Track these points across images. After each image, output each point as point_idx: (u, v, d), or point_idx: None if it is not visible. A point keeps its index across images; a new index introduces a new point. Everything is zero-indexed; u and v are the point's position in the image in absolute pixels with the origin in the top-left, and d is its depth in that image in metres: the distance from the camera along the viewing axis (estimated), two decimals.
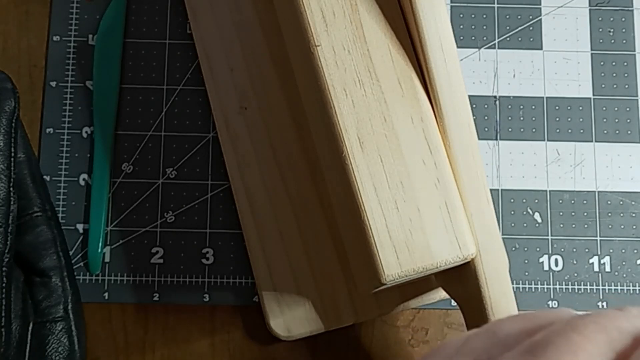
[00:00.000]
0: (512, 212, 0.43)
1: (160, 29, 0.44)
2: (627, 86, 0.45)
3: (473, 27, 0.45)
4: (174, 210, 0.43)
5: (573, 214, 0.43)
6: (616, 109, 0.44)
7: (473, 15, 0.45)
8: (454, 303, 0.41)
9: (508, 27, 0.45)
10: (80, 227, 0.42)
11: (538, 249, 0.43)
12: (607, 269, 0.43)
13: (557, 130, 0.44)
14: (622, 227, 0.43)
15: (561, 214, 0.43)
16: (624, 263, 0.43)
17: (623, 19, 0.45)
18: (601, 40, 0.45)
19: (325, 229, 0.41)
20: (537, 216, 0.43)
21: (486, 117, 0.44)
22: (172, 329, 0.42)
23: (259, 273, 0.41)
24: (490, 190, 0.36)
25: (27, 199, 0.39)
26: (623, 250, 0.43)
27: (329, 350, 0.42)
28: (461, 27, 0.45)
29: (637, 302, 0.42)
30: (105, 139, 0.43)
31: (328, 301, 0.40)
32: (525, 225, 0.43)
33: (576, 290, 0.43)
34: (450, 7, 0.45)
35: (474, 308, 0.34)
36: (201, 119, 0.43)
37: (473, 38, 0.45)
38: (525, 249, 0.43)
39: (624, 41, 0.45)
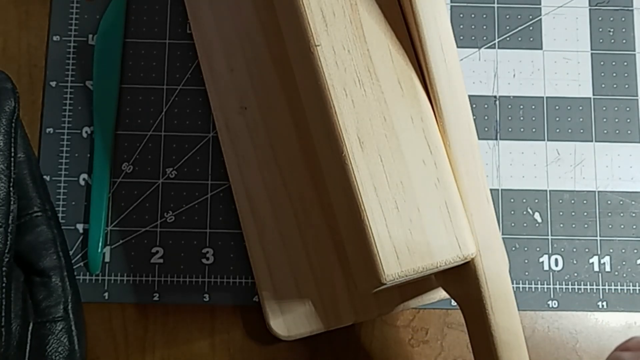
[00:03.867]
0: (512, 212, 0.43)
1: (160, 29, 0.44)
2: (627, 86, 0.45)
3: (473, 27, 0.45)
4: (174, 210, 0.43)
5: (573, 214, 0.43)
6: (616, 109, 0.44)
7: (473, 15, 0.45)
8: (454, 303, 0.41)
9: (508, 27, 0.45)
10: (80, 227, 0.42)
11: (538, 249, 0.43)
12: (607, 269, 0.43)
13: (557, 130, 0.44)
14: (622, 227, 0.43)
15: (561, 214, 0.43)
16: (624, 263, 0.43)
17: (623, 19, 0.45)
18: (601, 40, 0.45)
19: (325, 229, 0.41)
20: (537, 216, 0.43)
21: (486, 117, 0.44)
22: (172, 329, 0.42)
23: (259, 273, 0.41)
24: (490, 190, 0.36)
25: (27, 199, 0.39)
26: (623, 250, 0.43)
27: (329, 350, 0.42)
28: (461, 27, 0.45)
29: (637, 302, 0.42)
30: (105, 139, 0.43)
31: (328, 301, 0.40)
32: (525, 225, 0.43)
33: (576, 290, 0.43)
34: (450, 7, 0.45)
35: (474, 308, 0.34)
36: (201, 119, 0.43)
37: (473, 38, 0.45)
38: (525, 249, 0.43)
39: (624, 41, 0.45)
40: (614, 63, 0.45)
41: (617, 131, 0.44)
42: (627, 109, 0.44)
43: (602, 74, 0.45)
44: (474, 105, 0.44)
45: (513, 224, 0.43)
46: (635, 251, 0.43)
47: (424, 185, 0.33)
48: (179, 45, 0.44)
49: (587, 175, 0.44)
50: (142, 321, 0.42)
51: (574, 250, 0.43)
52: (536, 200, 0.43)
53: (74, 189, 0.43)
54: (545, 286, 0.43)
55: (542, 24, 0.45)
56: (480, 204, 0.34)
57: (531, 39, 0.45)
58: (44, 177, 0.42)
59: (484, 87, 0.45)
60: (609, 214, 0.43)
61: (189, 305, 0.42)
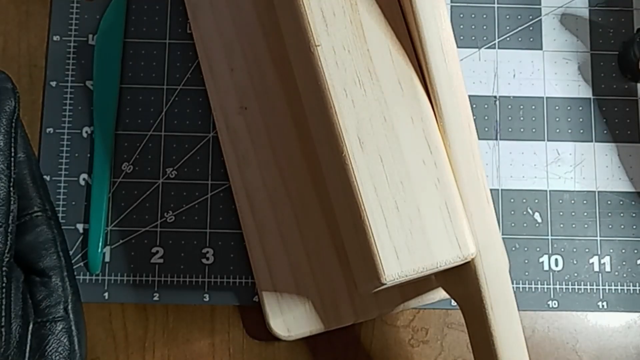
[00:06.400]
0: (512, 212, 0.43)
1: (160, 29, 0.44)
2: (627, 86, 0.45)
3: (473, 27, 0.45)
4: (174, 210, 0.43)
5: (573, 214, 0.43)
6: (616, 109, 0.44)
7: (473, 15, 0.45)
8: (454, 303, 0.41)
9: (508, 27, 0.45)
10: (80, 227, 0.42)
11: (538, 249, 0.43)
12: (607, 269, 0.43)
13: (557, 130, 0.44)
14: (622, 227, 0.43)
15: (561, 214, 0.43)
16: (624, 263, 0.43)
17: (623, 19, 0.45)
18: (601, 40, 0.45)
19: (325, 229, 0.41)
20: (537, 216, 0.43)
21: (486, 117, 0.44)
22: (172, 329, 0.42)
23: (259, 273, 0.41)
24: (490, 190, 0.36)
25: (27, 199, 0.39)
26: (623, 250, 0.43)
27: (329, 350, 0.42)
28: (461, 27, 0.45)
29: (637, 302, 0.42)
30: (105, 139, 0.43)
31: (328, 301, 0.40)
32: (525, 225, 0.43)
33: (576, 290, 0.43)
34: (450, 7, 0.45)
35: (474, 308, 0.34)
36: (201, 119, 0.44)
37: (473, 38, 0.45)
38: (525, 249, 0.43)
39: (624, 41, 0.45)
40: (613, 63, 0.45)
41: (617, 131, 0.44)
42: (627, 109, 0.44)
43: (602, 74, 0.45)
44: (474, 105, 0.44)
45: (513, 224, 0.43)
46: (635, 251, 0.43)
47: (424, 185, 0.33)
48: (179, 45, 0.44)
49: (587, 175, 0.44)
50: (142, 321, 0.42)
51: (574, 250, 0.43)
52: (536, 200, 0.43)
53: (74, 189, 0.43)
54: (545, 286, 0.43)
55: (542, 24, 0.45)
56: (480, 204, 0.34)
57: (531, 39, 0.45)
58: (44, 177, 0.42)
59: (484, 87, 0.45)
60: (609, 214, 0.43)
61: (189, 305, 0.42)
